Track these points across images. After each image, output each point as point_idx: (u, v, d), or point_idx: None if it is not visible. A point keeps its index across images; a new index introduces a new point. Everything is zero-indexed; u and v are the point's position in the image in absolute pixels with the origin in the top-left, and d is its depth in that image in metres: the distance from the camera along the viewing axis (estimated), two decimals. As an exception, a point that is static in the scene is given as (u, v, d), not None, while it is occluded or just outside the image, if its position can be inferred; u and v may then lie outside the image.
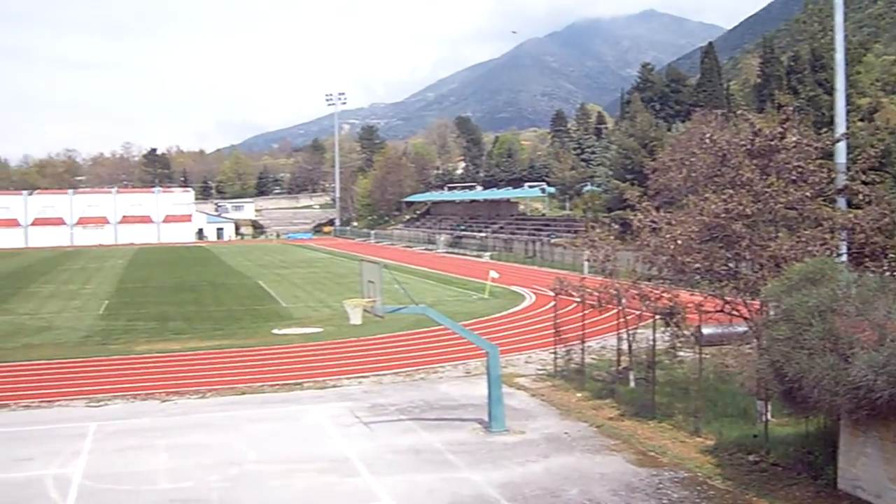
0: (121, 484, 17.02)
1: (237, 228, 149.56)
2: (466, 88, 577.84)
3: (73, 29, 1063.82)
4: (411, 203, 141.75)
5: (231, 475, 17.48)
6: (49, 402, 24.46)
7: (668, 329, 22.01)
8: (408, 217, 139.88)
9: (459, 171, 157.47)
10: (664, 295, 21.97)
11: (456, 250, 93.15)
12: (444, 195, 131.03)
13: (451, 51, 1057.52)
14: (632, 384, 23.89)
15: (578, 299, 25.82)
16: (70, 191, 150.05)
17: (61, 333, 37.40)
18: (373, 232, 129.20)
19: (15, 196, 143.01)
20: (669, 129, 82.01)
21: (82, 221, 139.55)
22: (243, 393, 25.20)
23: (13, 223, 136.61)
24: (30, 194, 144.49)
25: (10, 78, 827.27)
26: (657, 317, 21.93)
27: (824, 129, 26.25)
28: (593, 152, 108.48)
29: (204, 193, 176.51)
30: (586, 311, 25.43)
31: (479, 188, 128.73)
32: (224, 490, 16.61)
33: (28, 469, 18.12)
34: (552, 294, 28.35)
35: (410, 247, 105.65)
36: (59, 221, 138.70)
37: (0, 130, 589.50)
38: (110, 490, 16.69)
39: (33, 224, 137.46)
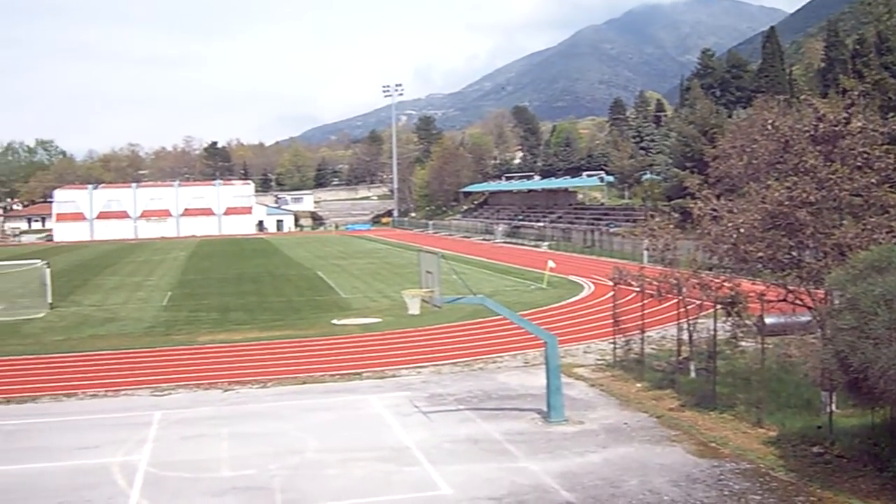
0: (185, 471, 17.34)
1: (296, 220, 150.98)
2: (524, 77, 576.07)
3: (137, 26, 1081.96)
4: (469, 193, 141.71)
5: (292, 463, 17.69)
6: (115, 391, 25.00)
7: (730, 319, 21.67)
8: (465, 207, 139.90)
9: (517, 161, 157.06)
10: (725, 284, 21.66)
11: (514, 240, 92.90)
12: (502, 185, 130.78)
13: (508, 40, 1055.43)
14: (692, 374, 23.61)
15: (638, 289, 25.59)
16: (133, 184, 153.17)
17: (126, 324, 38.18)
18: (430, 222, 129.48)
19: (81, 190, 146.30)
20: (730, 116, 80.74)
21: (146, 214, 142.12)
22: (304, 383, 25.47)
23: (79, 217, 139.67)
24: (95, 188, 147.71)
25: (76, 74, 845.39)
26: (718, 306, 21.62)
27: (891, 114, 25.59)
28: (652, 140, 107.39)
29: (264, 186, 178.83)
30: (646, 301, 25.19)
31: (537, 178, 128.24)
32: (285, 478, 16.82)
33: (95, 456, 18.55)
34: (611, 284, 28.13)
35: (468, 237, 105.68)
36: (123, 215, 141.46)
37: (66, 126, 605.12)
38: (174, 477, 17.01)
39: (98, 217, 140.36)
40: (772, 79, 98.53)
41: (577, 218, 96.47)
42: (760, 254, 19.74)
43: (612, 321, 27.20)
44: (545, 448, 18.34)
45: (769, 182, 19.91)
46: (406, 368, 26.97)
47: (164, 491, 16.25)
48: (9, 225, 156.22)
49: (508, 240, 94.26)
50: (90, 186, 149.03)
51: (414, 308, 21.10)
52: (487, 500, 15.37)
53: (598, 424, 20.12)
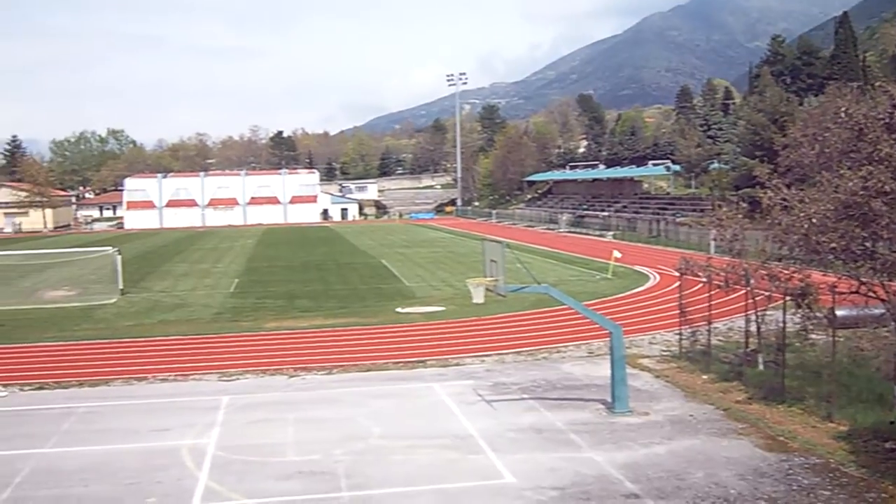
0: (251, 455, 17.62)
1: (360, 209, 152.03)
2: (588, 65, 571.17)
3: (204, 18, 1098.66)
4: (533, 182, 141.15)
5: (356, 449, 17.87)
6: (184, 375, 25.51)
7: (800, 311, 21.25)
8: (529, 196, 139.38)
9: (581, 150, 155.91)
10: (795, 275, 21.24)
11: (578, 230, 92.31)
12: (566, 174, 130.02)
13: (573, 28, 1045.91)
14: (760, 367, 23.22)
15: (705, 279, 25.26)
16: (201, 173, 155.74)
17: (195, 310, 38.89)
18: (494, 211, 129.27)
19: (150, 179, 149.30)
20: (801, 104, 79.02)
21: (213, 203, 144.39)
22: (368, 370, 25.68)
23: (149, 205, 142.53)
24: (164, 177, 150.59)
25: (145, 66, 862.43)
26: (788, 298, 21.21)
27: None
28: (720, 129, 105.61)
29: (328, 174, 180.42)
30: (713, 292, 24.85)
31: (602, 167, 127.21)
32: (349, 463, 16.99)
33: (166, 439, 18.97)
34: (677, 274, 27.81)
35: (532, 226, 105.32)
36: (191, 203, 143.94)
37: (136, 116, 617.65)
38: (241, 461, 17.30)
39: (167, 205, 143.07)
40: (844, 65, 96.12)
41: (642, 207, 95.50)
42: (833, 244, 19.26)
43: (678, 312, 26.89)
44: (609, 439, 18.24)
45: (842, 171, 19.41)
46: (469, 357, 27.02)
47: (231, 474, 16.54)
48: (81, 213, 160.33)
49: (572, 229, 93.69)
50: (159, 175, 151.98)
51: (478, 297, 21.12)
52: (551, 489, 15.34)
53: (664, 416, 19.93)
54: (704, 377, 23.51)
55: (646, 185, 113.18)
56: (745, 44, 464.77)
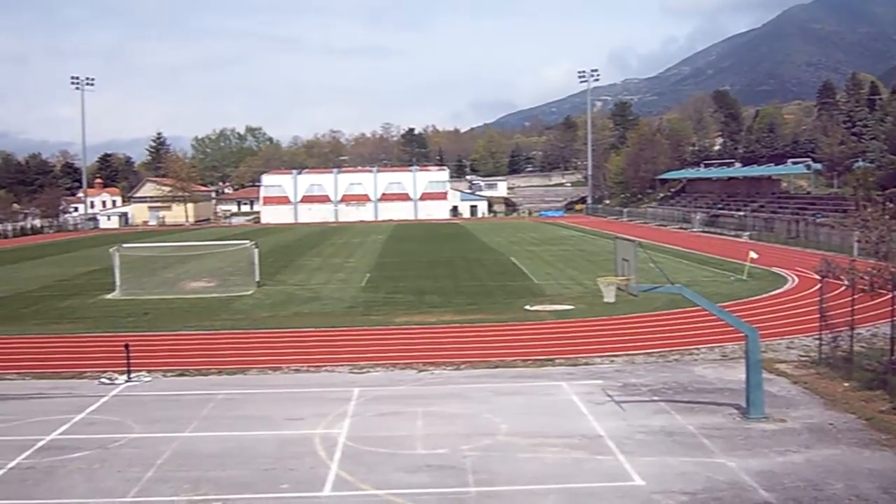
0: (381, 447, 17.91)
1: (490, 206, 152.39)
2: (724, 60, 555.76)
3: (338, 18, 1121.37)
4: (665, 181, 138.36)
5: (483, 445, 17.93)
6: (316, 366, 26.15)
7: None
8: (661, 195, 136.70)
9: (717, 148, 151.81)
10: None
11: (712, 229, 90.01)
12: (701, 172, 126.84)
13: (708, 22, 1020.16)
14: (907, 375, 22.12)
15: (847, 283, 24.21)
16: (335, 170, 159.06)
17: (327, 304, 39.81)
18: (625, 210, 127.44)
19: (286, 175, 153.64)
20: (955, 100, 74.85)
21: (346, 199, 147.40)
22: (496, 366, 25.72)
23: (284, 200, 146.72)
24: (299, 173, 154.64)
25: (282, 66, 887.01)
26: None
27: None
28: (865, 125, 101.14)
29: (458, 171, 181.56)
30: (856, 296, 23.80)
31: (738, 165, 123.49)
32: (476, 459, 17.06)
33: (299, 428, 19.50)
34: (817, 277, 26.76)
35: (664, 225, 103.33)
36: (325, 199, 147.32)
37: (273, 114, 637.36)
38: (371, 452, 17.60)
39: (302, 201, 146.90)
40: None
41: (780, 207, 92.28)
42: None
43: (818, 316, 25.86)
44: (743, 445, 17.71)
45: None
46: (599, 357, 26.72)
47: (361, 464, 16.86)
48: (220, 207, 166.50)
49: (706, 229, 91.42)
50: (294, 171, 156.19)
51: (609, 296, 20.89)
52: (681, 494, 15.01)
53: (801, 423, 19.21)
54: (846, 385, 22.54)
55: (784, 185, 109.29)
56: (894, 36, 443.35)
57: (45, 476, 16.61)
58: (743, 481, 15.56)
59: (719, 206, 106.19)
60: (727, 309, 28.74)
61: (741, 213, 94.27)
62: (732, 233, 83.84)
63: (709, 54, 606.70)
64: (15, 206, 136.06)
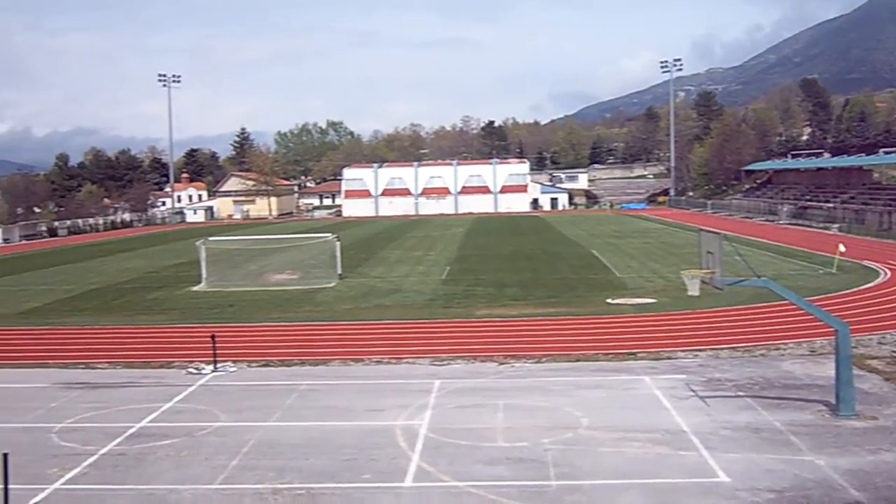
0: (461, 439, 17.93)
1: (571, 198, 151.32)
2: (812, 48, 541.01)
3: (415, 11, 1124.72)
4: (751, 172, 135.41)
5: (564, 439, 17.81)
6: (398, 358, 26.31)
7: None
8: (747, 186, 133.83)
9: (805, 138, 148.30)
10: None
11: (799, 221, 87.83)
12: (788, 163, 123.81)
13: (796, 8, 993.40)
14: None
15: (944, 276, 23.38)
16: (415, 163, 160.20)
17: (408, 296, 40.03)
18: (709, 202, 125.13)
19: (367, 169, 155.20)
20: None
21: (426, 192, 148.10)
22: (577, 360, 25.52)
23: (365, 193, 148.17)
24: (379, 167, 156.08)
25: (361, 60, 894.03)
26: None
27: None
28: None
29: (538, 164, 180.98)
30: (953, 290, 22.96)
31: (827, 155, 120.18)
32: (557, 452, 16.96)
33: (380, 419, 19.65)
34: (912, 270, 25.89)
35: (749, 217, 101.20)
36: (405, 192, 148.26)
37: (354, 108, 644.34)
38: (452, 444, 17.64)
39: (383, 194, 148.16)
40: None
41: (871, 199, 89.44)
42: None
43: (912, 310, 25.04)
44: (833, 442, 17.22)
45: None
46: (682, 351, 26.30)
47: (442, 456, 16.91)
48: (303, 201, 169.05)
49: (794, 221, 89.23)
50: (375, 165, 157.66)
51: (693, 289, 20.55)
52: (768, 491, 14.68)
53: (894, 422, 18.60)
54: (942, 381, 21.78)
55: (876, 175, 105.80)
56: None
57: (136, 462, 17.08)
58: (832, 480, 15.15)
59: (807, 197, 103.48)
60: (815, 303, 28.02)
61: (830, 205, 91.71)
62: (821, 225, 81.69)
63: (796, 42, 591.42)
64: (105, 200, 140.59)
